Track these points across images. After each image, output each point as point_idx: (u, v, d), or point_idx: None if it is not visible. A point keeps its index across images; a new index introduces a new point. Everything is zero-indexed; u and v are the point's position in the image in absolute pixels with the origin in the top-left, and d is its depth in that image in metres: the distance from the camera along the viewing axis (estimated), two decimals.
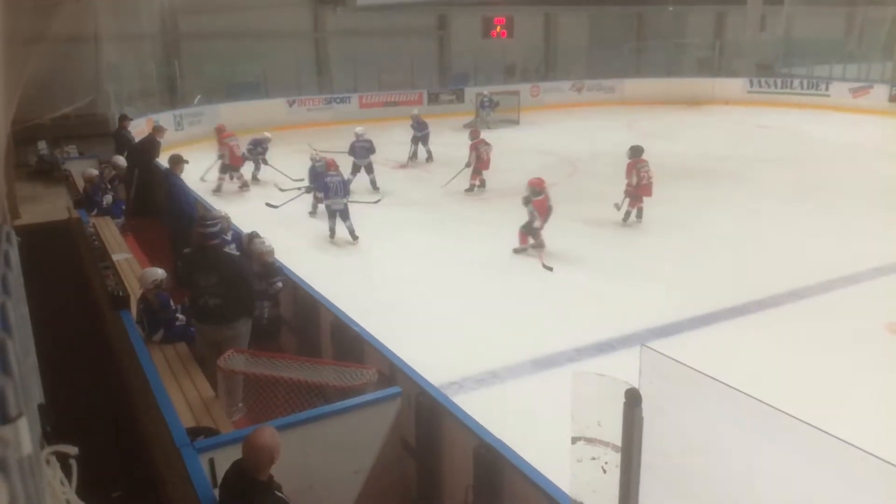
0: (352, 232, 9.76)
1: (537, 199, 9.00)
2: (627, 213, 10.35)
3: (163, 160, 9.97)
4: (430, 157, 15.42)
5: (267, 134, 13.46)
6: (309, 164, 11.46)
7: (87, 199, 8.80)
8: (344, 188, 9.83)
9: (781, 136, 17.37)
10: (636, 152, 10.29)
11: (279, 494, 3.02)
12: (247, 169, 13.11)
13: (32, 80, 6.99)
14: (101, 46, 13.17)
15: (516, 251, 9.14)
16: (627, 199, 10.27)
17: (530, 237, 9.15)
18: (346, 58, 21.20)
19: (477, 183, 12.53)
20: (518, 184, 13.07)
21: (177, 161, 7.96)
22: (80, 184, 9.25)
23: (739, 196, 11.87)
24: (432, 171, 14.34)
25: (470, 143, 12.54)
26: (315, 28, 21.95)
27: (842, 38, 24.65)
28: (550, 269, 8.50)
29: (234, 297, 4.98)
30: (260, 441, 2.92)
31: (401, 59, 21.13)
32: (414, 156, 15.43)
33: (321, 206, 10.47)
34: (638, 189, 10.15)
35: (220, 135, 12.75)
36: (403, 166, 15.01)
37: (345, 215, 9.74)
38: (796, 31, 24.70)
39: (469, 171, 12.47)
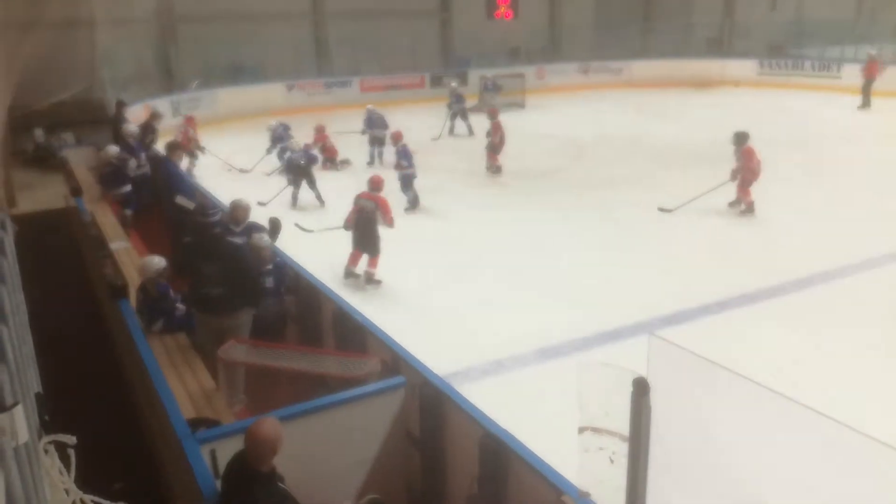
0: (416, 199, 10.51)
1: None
2: (750, 204, 9.89)
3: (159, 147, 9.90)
4: (471, 132, 15.80)
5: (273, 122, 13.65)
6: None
7: (112, 177, 8.50)
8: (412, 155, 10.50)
9: (793, 119, 17.14)
10: (745, 137, 9.86)
11: (281, 486, 2.99)
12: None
13: (28, 67, 6.91)
14: (96, 31, 13.02)
15: (348, 276, 7.75)
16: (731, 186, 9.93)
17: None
18: (346, 40, 20.95)
19: (498, 164, 12.62)
20: (525, 168, 13.05)
21: (174, 148, 7.86)
22: (80, 173, 9.12)
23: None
24: (435, 156, 14.24)
25: (491, 122, 12.48)
26: (314, 9, 21.66)
27: (853, 18, 24.26)
28: (378, 282, 7.57)
29: (237, 286, 4.93)
30: (262, 432, 2.88)
31: (402, 42, 20.88)
32: (451, 131, 15.92)
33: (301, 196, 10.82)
34: (751, 175, 9.75)
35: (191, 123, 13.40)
36: (435, 139, 15.49)
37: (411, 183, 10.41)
38: (807, 12, 24.31)
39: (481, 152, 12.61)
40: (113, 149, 8.82)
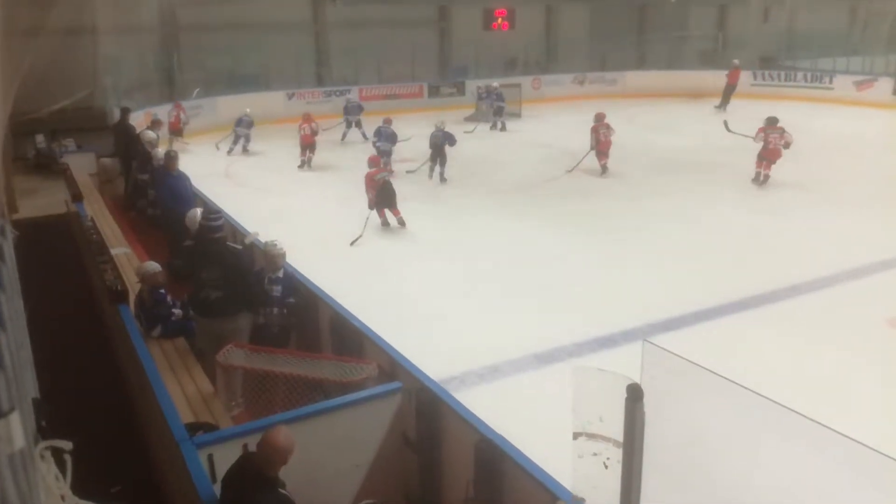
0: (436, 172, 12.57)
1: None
2: (758, 174, 12.00)
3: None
4: (503, 127, 17.80)
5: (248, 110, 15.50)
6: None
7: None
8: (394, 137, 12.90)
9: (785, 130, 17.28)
10: (771, 121, 12.17)
11: (283, 492, 3.04)
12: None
13: (30, 74, 6.93)
14: (98, 39, 13.10)
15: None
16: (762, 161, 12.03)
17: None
18: (345, 49, 21.07)
19: (604, 164, 13.19)
20: (521, 177, 13.11)
21: (173, 157, 7.96)
22: (81, 179, 9.11)
23: (741, 188, 11.83)
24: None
25: (593, 125, 13.25)
26: (314, 19, 21.78)
27: (845, 30, 24.46)
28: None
29: (236, 290, 4.96)
30: (278, 440, 2.99)
31: (401, 51, 20.99)
32: (502, 126, 17.74)
33: None
34: (765, 153, 11.88)
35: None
36: (468, 132, 16.94)
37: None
38: (800, 23, 24.49)
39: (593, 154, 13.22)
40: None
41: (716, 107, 19.86)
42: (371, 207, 9.72)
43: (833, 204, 10.71)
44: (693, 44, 25.76)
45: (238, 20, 19.13)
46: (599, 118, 13.41)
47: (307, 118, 13.89)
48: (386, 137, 12.83)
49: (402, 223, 9.82)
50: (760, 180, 11.92)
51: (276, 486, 3.01)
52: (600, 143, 13.14)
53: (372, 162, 10.13)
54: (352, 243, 9.30)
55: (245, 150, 15.34)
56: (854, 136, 16.16)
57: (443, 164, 12.48)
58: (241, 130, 15.24)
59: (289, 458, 3.02)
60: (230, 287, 4.91)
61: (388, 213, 9.90)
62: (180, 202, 7.46)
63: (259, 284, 5.18)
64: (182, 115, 15.88)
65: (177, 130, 15.58)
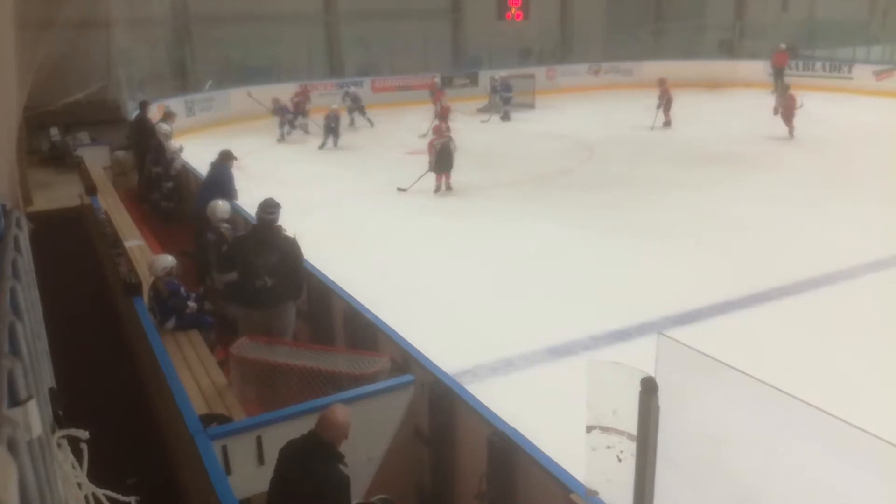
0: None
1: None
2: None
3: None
4: (506, 116, 18.17)
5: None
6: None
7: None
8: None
9: (803, 120, 17.02)
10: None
11: (343, 468, 3.20)
12: None
13: (44, 66, 6.98)
14: (111, 31, 13.15)
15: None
16: None
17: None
18: (358, 40, 21.03)
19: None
20: (535, 169, 13.05)
21: (228, 156, 8.03)
22: (95, 172, 9.22)
23: (760, 180, 11.67)
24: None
25: (663, 87, 16.17)
26: (326, 10, 21.76)
27: (865, 19, 24.03)
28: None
29: (289, 277, 5.07)
30: (336, 418, 3.18)
31: (414, 42, 20.91)
32: (506, 116, 18.23)
33: None
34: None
35: None
36: (484, 121, 18.11)
37: None
38: (819, 12, 24.12)
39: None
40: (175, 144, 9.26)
41: (771, 92, 19.27)
42: (430, 170, 11.01)
43: (851, 196, 10.55)
44: (710, 33, 25.41)
45: (250, 11, 19.14)
46: (665, 81, 16.20)
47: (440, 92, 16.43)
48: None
49: (448, 188, 11.16)
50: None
51: (340, 459, 3.20)
52: (670, 100, 15.95)
53: (435, 130, 11.58)
54: (399, 188, 11.01)
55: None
56: (873, 127, 15.89)
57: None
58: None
59: (348, 432, 3.22)
60: (285, 273, 4.99)
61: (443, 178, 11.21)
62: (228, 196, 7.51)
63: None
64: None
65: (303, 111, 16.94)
